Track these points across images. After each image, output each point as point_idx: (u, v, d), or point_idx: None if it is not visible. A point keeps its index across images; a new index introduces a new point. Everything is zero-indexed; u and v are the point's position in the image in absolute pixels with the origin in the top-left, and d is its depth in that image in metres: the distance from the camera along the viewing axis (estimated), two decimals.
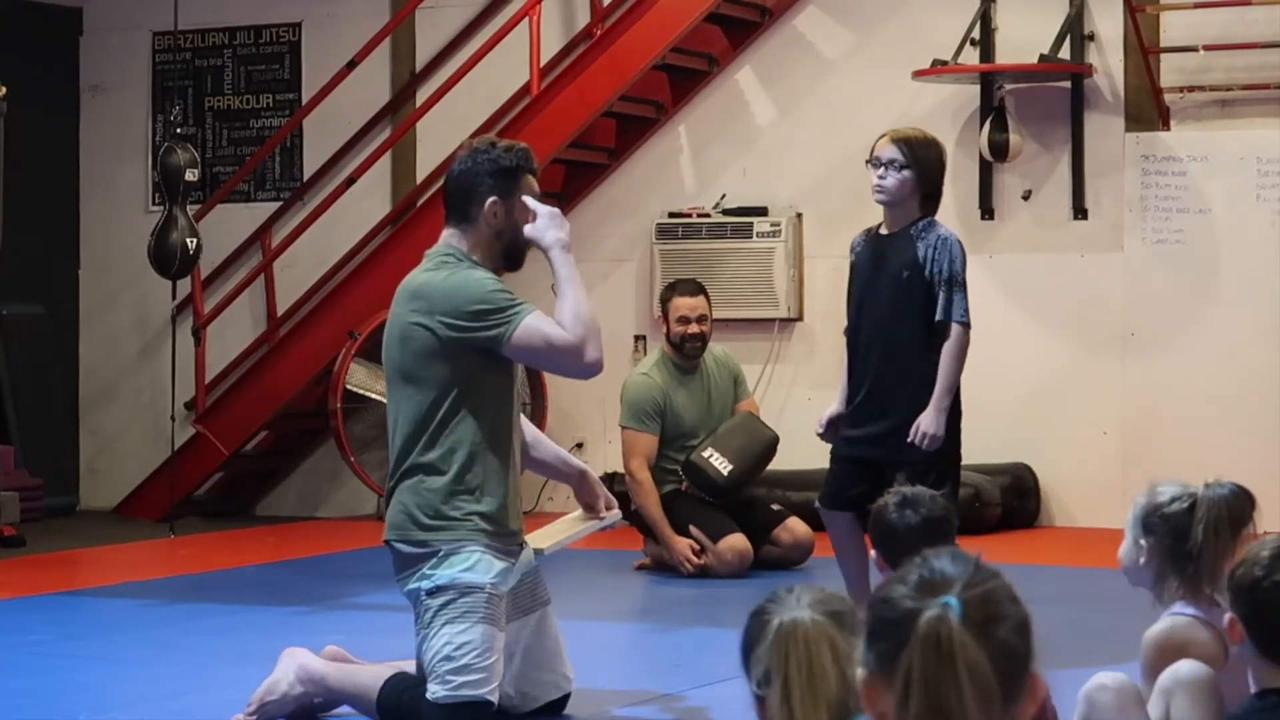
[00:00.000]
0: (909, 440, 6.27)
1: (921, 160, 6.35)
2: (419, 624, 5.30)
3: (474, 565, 5.27)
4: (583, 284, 5.45)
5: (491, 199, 5.41)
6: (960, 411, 6.40)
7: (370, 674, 5.44)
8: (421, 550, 5.29)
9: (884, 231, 6.44)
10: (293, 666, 5.47)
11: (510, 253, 5.50)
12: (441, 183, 5.85)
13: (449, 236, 5.47)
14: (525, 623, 5.46)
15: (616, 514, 5.85)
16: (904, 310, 6.32)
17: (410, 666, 5.47)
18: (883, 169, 6.34)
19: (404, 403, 5.35)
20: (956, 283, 6.28)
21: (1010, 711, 2.05)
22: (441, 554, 5.26)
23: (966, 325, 6.31)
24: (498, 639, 5.28)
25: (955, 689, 1.98)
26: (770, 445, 8.76)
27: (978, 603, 2.03)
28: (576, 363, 5.32)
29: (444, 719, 5.19)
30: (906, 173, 6.32)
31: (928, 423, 6.26)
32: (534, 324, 5.28)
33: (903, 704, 2.01)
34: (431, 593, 5.26)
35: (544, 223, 5.44)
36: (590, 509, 5.81)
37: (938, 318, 6.29)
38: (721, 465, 8.52)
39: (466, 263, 5.39)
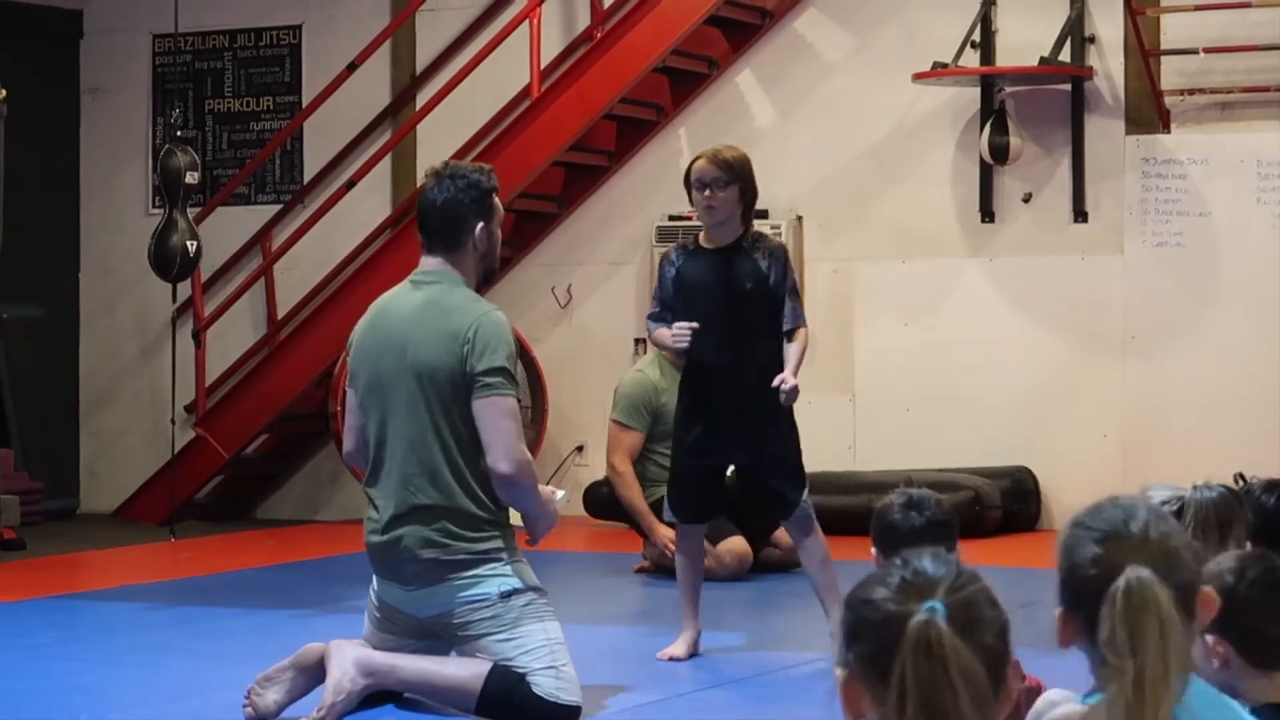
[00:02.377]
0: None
1: (743, 175, 6.46)
2: (487, 625, 5.36)
3: (529, 568, 5.47)
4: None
5: (479, 224, 5.60)
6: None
7: (456, 665, 5.44)
8: (476, 552, 5.38)
9: (709, 245, 6.52)
10: (349, 662, 5.46)
11: (488, 272, 5.76)
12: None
13: (443, 266, 5.62)
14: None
15: None
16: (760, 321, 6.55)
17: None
18: (708, 189, 6.41)
19: (443, 433, 5.41)
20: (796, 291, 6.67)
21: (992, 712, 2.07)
22: (500, 560, 5.38)
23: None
24: None
25: (951, 692, 1.99)
26: None
27: (960, 606, 2.04)
28: (495, 464, 5.35)
29: (564, 714, 5.32)
30: (732, 189, 6.42)
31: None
32: (505, 410, 5.37)
33: (899, 709, 2.01)
34: (508, 594, 5.37)
35: (548, 523, 5.56)
36: None
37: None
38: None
39: (486, 303, 5.55)
